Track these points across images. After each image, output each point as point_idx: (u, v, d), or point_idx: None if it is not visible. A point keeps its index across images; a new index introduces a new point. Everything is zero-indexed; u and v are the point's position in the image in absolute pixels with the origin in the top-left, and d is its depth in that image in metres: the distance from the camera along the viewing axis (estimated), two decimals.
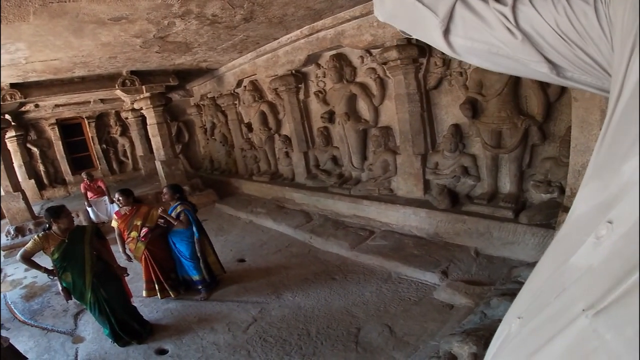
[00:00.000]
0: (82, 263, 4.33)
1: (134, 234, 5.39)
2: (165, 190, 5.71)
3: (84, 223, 9.40)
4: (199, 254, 5.67)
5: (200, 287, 5.74)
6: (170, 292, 5.64)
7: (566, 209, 4.03)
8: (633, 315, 0.50)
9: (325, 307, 5.02)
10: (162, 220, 5.54)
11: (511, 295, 3.78)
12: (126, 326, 4.65)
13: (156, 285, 5.59)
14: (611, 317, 0.54)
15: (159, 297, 5.61)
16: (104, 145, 15.14)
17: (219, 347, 4.51)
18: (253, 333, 4.68)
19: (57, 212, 4.29)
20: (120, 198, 5.40)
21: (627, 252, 0.55)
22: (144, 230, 5.36)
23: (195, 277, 5.72)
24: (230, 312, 5.21)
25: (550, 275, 0.75)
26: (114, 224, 5.51)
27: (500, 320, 0.92)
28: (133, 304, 4.99)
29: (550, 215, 5.06)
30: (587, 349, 0.56)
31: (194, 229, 5.68)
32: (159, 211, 5.53)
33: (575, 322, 0.59)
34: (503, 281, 4.46)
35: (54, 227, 4.31)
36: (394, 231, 6.74)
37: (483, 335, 3.23)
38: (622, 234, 0.58)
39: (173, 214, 5.57)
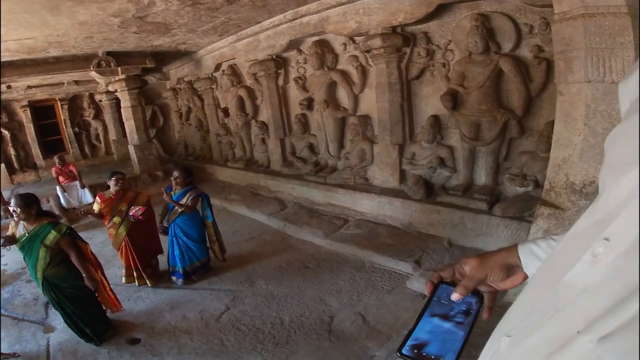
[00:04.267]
0: (35, 261, 4.08)
1: (116, 219, 5.24)
2: (177, 173, 5.45)
3: (55, 209, 9.18)
4: (206, 237, 5.68)
5: (203, 270, 5.75)
6: (148, 281, 5.55)
7: (544, 202, 4.06)
8: (637, 344, 0.49)
9: (299, 296, 5.00)
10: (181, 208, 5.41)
11: None
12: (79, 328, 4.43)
13: (134, 273, 5.49)
14: (616, 345, 0.52)
15: (137, 285, 5.53)
16: (77, 129, 14.74)
17: (191, 335, 4.44)
18: (226, 321, 4.63)
19: (16, 202, 4.02)
20: (119, 180, 5.26)
21: (628, 273, 0.54)
22: (141, 208, 5.21)
23: (202, 261, 5.70)
24: (202, 300, 5.15)
25: (543, 293, 0.75)
26: (96, 207, 5.35)
27: None
28: (102, 310, 4.68)
29: (523, 209, 5.13)
30: None
31: (210, 212, 5.68)
32: (146, 198, 5.47)
33: (574, 345, 0.58)
34: None
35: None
36: (368, 220, 6.74)
37: None
38: (621, 253, 0.57)
39: (184, 199, 5.41)
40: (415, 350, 0.89)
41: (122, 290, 5.45)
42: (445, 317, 0.96)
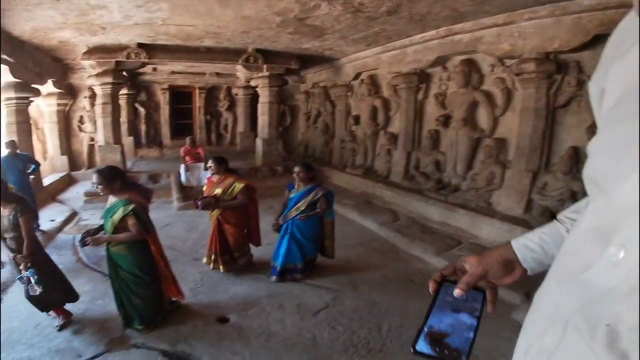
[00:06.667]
0: (105, 233, 4.07)
1: None
2: (298, 168, 5.36)
3: (173, 185, 9.84)
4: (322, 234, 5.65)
5: (310, 266, 5.65)
6: (221, 267, 5.55)
7: None
8: None
9: (401, 307, 4.80)
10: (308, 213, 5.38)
11: None
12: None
13: (212, 256, 5.61)
14: None
15: (210, 268, 5.64)
16: (208, 117, 15.72)
17: (284, 325, 4.40)
18: (322, 319, 4.55)
19: (97, 178, 3.94)
20: (211, 165, 5.45)
21: None
22: (203, 197, 5.36)
23: (312, 256, 5.63)
24: (302, 294, 5.10)
25: (563, 290, 0.81)
26: (205, 187, 5.67)
27: None
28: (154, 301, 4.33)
29: None
30: None
31: (332, 210, 5.64)
32: (243, 185, 5.42)
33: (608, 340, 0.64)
34: None
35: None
36: (482, 245, 6.38)
37: None
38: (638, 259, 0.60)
39: (310, 197, 5.34)
40: (435, 340, 0.95)
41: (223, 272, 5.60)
42: (459, 311, 1.03)
